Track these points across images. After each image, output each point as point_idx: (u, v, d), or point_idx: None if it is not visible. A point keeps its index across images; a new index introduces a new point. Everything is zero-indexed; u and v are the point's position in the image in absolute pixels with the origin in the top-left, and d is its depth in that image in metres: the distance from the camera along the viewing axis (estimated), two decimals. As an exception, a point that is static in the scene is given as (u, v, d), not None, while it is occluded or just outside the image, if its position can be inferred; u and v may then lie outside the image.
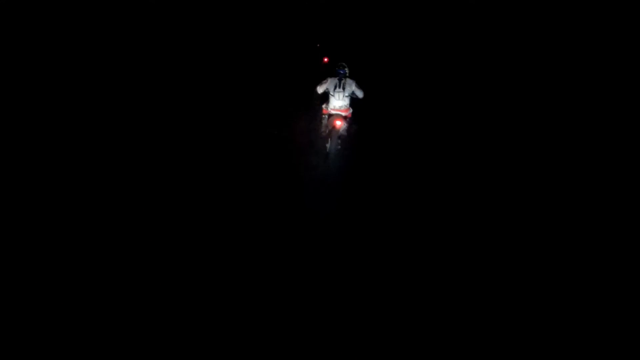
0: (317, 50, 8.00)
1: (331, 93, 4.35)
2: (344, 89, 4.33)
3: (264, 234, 2.93)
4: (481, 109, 6.01)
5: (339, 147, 4.37)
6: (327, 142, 4.35)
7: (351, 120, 4.54)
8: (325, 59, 7.60)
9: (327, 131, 4.43)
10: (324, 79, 4.45)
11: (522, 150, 4.69)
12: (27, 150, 3.85)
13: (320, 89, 4.47)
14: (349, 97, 4.39)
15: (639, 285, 2.48)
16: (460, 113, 5.90)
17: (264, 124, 5.19)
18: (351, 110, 4.49)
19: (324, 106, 4.60)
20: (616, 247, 2.89)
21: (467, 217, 3.33)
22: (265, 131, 4.98)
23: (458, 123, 5.55)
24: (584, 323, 2.20)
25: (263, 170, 3.99)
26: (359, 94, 4.42)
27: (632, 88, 4.41)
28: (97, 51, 5.47)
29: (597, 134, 4.79)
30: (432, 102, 6.35)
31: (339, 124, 4.27)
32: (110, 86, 5.64)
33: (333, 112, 4.41)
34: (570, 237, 3.03)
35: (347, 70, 4.41)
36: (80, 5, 5.57)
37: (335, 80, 4.36)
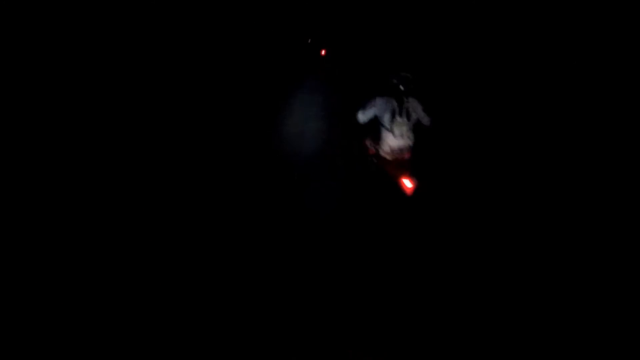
0: (310, 46, 7.77)
1: (386, 125, 2.61)
2: (408, 116, 2.59)
3: (264, 233, 2.93)
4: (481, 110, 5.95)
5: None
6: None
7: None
8: (323, 52, 7.39)
9: (383, 178, 2.77)
10: (371, 100, 2.66)
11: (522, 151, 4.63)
12: (27, 150, 3.85)
13: (364, 116, 2.69)
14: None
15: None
16: (463, 113, 5.82)
17: (261, 125, 5.14)
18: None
19: (369, 143, 2.91)
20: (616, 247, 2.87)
21: (469, 217, 3.30)
22: (264, 131, 4.95)
23: (461, 122, 5.45)
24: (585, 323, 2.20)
25: (262, 170, 3.98)
26: (425, 120, 2.72)
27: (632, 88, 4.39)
28: (96, 51, 5.47)
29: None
30: (435, 98, 6.22)
31: (409, 186, 2.56)
32: (110, 86, 5.63)
33: (388, 156, 2.70)
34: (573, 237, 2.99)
35: (410, 84, 2.58)
36: (80, 5, 5.57)
37: (391, 103, 2.58)
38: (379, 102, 2.62)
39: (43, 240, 2.70)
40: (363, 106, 2.69)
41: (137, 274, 2.47)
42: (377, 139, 2.73)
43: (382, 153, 2.71)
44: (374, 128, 2.72)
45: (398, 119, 2.58)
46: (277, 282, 2.44)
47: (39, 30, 4.87)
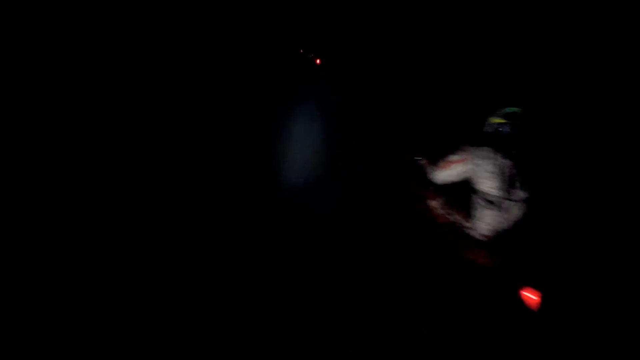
0: (302, 55, 7.67)
1: (492, 198, 1.58)
2: (528, 185, 1.58)
3: (264, 234, 2.92)
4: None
5: None
6: None
7: None
8: (318, 61, 7.32)
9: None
10: (459, 151, 1.67)
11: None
12: (26, 149, 3.84)
13: (447, 176, 1.73)
14: None
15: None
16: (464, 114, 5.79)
17: (261, 125, 5.12)
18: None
19: (440, 206, 1.93)
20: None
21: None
22: (264, 131, 4.93)
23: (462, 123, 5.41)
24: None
25: (261, 170, 3.97)
26: None
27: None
28: (96, 51, 5.48)
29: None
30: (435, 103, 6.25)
31: (535, 299, 1.59)
32: (111, 86, 5.63)
33: (483, 238, 1.71)
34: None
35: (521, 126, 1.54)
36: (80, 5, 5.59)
37: (498, 162, 1.56)
38: (478, 157, 1.56)
39: (42, 239, 2.69)
40: (444, 158, 1.65)
41: (137, 273, 2.46)
42: (466, 212, 1.69)
43: (472, 233, 1.69)
44: (459, 192, 1.70)
45: (517, 192, 1.52)
46: (277, 282, 2.44)
47: (38, 29, 4.89)
